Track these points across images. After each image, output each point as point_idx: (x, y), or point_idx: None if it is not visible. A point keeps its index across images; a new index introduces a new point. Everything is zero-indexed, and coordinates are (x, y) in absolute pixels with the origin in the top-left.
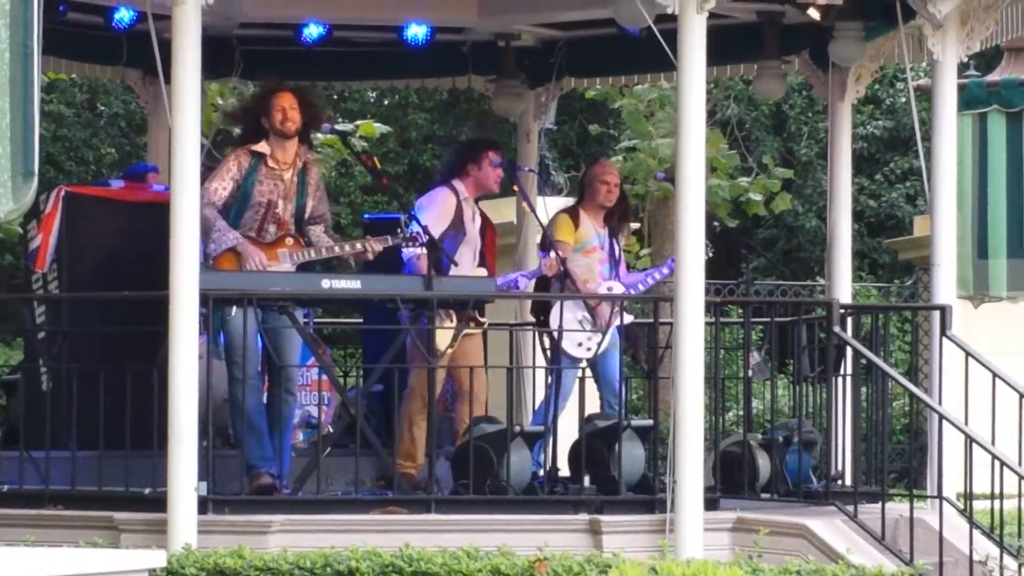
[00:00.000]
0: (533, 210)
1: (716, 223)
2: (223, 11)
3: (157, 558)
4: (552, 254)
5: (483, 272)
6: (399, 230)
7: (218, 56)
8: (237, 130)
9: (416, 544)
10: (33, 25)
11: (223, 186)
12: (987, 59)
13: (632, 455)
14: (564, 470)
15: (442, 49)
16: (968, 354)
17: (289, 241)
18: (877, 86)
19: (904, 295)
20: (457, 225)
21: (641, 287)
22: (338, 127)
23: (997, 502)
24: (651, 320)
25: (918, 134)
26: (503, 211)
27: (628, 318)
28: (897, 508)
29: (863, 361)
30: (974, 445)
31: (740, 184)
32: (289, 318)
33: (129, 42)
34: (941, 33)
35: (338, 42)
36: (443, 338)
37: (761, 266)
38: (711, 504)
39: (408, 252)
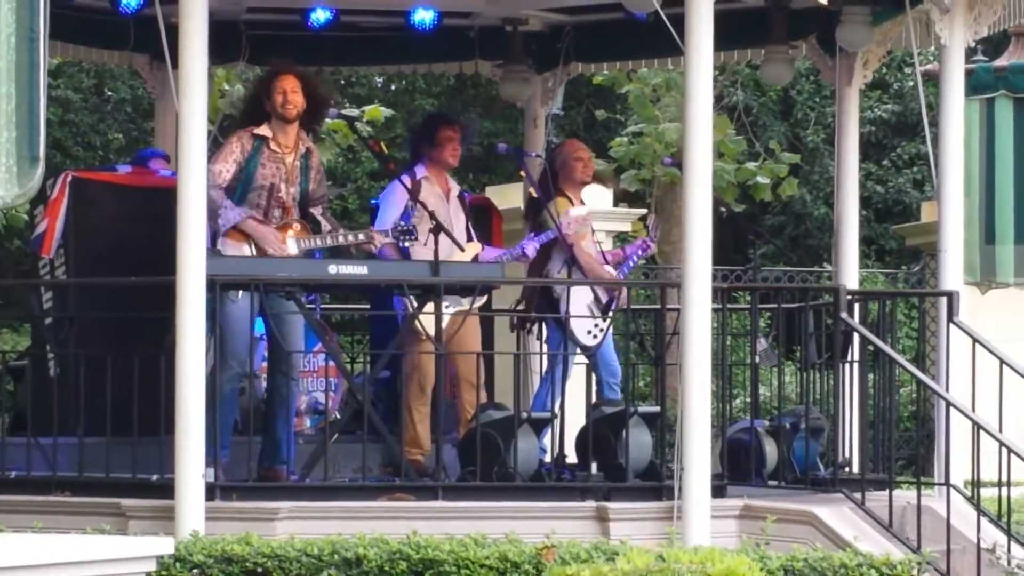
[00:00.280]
0: (541, 196)
1: (723, 208)
2: None
3: (165, 545)
4: (572, 211)
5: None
6: (396, 223)
7: (225, 41)
8: (239, 111)
9: (423, 531)
10: (40, 9)
11: (226, 168)
12: (995, 44)
13: (639, 442)
14: (571, 457)
15: (449, 34)
16: (975, 340)
17: (296, 226)
18: (885, 70)
19: (911, 281)
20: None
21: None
22: (345, 112)
23: (1005, 489)
24: (658, 306)
25: (925, 120)
26: (510, 197)
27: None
28: (904, 495)
29: (870, 348)
30: (981, 432)
31: (747, 168)
32: (296, 303)
33: (136, 27)
34: (948, 18)
35: (345, 27)
36: (431, 323)
37: (769, 252)
38: (718, 491)
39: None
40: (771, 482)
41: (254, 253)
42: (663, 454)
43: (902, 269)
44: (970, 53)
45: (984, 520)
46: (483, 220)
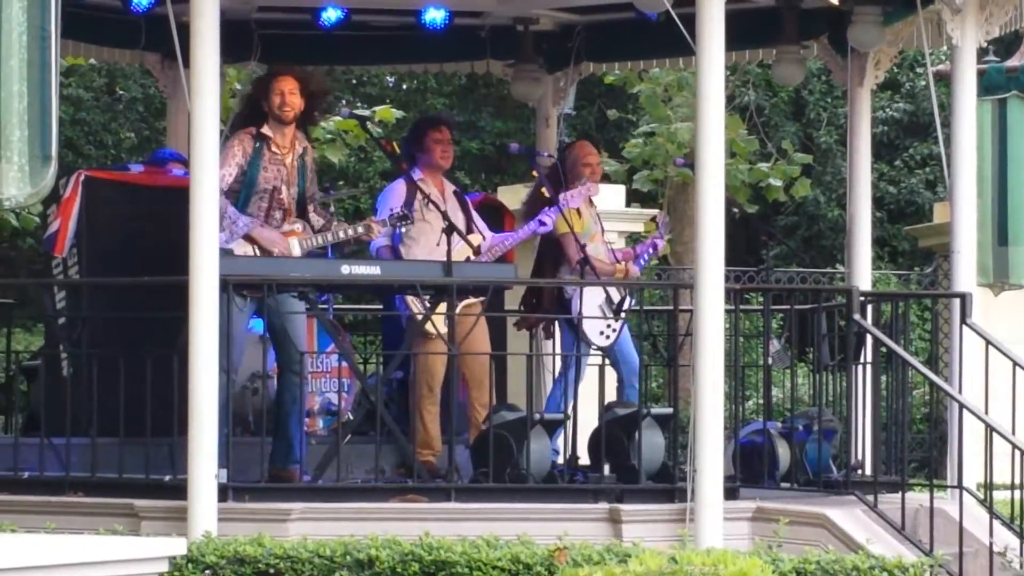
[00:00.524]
0: (553, 196)
1: (736, 209)
2: None
3: (177, 545)
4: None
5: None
6: (392, 211)
7: (236, 40)
8: (235, 113)
9: (436, 532)
10: (51, 8)
11: (229, 172)
12: (1006, 44)
13: (652, 443)
14: (584, 458)
15: (460, 33)
16: (988, 342)
17: (298, 228)
18: (896, 70)
19: (924, 283)
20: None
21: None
22: (356, 112)
23: (1018, 492)
24: (670, 307)
25: (938, 120)
26: (522, 197)
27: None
28: (917, 498)
29: (883, 349)
30: (994, 434)
31: (760, 169)
32: (308, 304)
33: (148, 26)
34: (960, 18)
35: (356, 26)
36: (436, 322)
37: (782, 253)
38: (731, 493)
39: (379, 241)
40: (783, 484)
41: (258, 255)
42: (676, 456)
43: (915, 270)
44: (982, 53)
45: (997, 523)
46: (495, 220)
